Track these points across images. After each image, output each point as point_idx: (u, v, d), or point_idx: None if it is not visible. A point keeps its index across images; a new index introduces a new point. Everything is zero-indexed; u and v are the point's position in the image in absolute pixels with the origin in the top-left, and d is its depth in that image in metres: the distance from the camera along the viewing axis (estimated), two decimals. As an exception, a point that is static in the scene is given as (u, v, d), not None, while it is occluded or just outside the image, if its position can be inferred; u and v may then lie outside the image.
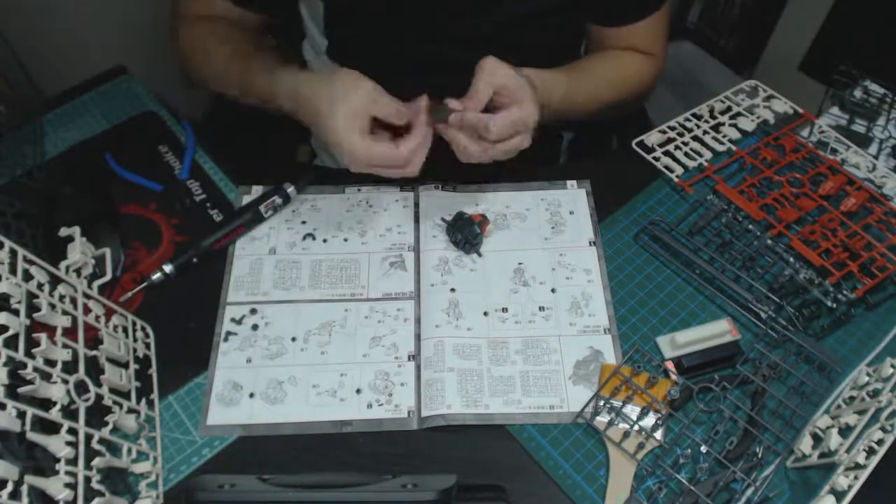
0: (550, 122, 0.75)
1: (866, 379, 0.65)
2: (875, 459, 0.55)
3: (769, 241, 0.74)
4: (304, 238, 0.77)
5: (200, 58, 0.82)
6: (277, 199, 0.77)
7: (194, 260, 0.73)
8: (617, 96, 0.85)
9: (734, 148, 0.84)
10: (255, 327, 0.70)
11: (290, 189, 0.78)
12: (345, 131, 0.64)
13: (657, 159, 0.81)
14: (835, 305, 0.69)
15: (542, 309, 0.72)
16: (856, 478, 0.54)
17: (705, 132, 0.85)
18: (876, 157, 0.83)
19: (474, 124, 0.67)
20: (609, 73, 0.85)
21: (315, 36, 0.88)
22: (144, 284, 0.71)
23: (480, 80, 0.67)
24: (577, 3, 0.80)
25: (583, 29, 0.87)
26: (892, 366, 0.62)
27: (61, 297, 0.58)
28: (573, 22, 0.85)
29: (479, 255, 0.75)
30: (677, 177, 0.80)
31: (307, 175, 0.80)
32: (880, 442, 0.56)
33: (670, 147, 0.83)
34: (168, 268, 0.71)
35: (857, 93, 0.89)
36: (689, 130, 0.85)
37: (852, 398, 0.64)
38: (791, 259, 0.73)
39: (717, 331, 0.68)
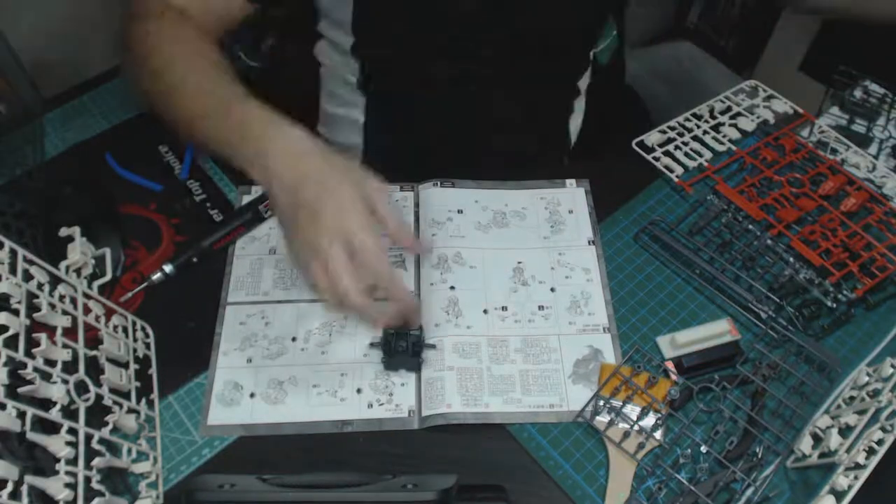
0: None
1: (866, 379, 0.65)
2: (875, 459, 0.55)
3: (769, 242, 0.74)
4: (304, 238, 0.77)
5: (156, 62, 0.67)
6: None
7: (194, 260, 0.73)
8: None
9: (734, 148, 0.83)
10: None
11: None
12: (360, 212, 0.56)
13: (657, 159, 0.81)
14: (835, 305, 0.69)
15: (541, 308, 0.72)
16: (856, 478, 0.54)
17: (705, 132, 0.85)
18: (876, 157, 0.83)
19: None
20: None
21: (337, 35, 0.86)
22: (144, 284, 0.71)
23: None
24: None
25: (602, 21, 0.84)
26: (893, 366, 0.62)
27: (61, 297, 0.58)
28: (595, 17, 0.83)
29: (434, 347, 0.68)
30: (677, 177, 0.80)
31: None
32: (880, 442, 0.56)
33: (670, 147, 0.83)
34: (168, 268, 0.71)
35: (858, 93, 0.89)
36: (689, 130, 0.85)
37: (852, 398, 0.64)
38: (791, 259, 0.73)
39: (717, 331, 0.68)
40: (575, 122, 0.90)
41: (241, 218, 0.76)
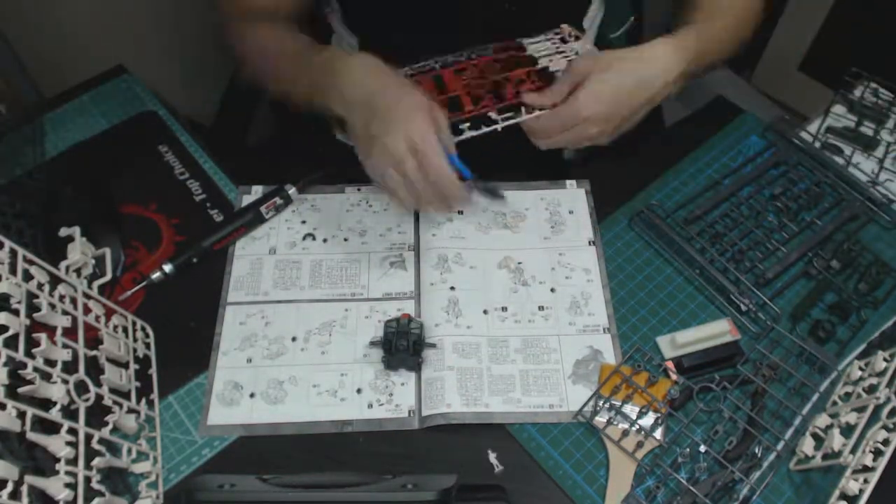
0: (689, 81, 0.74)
1: (859, 373, 0.65)
2: (883, 461, 0.54)
3: (761, 235, 0.76)
4: (304, 238, 0.77)
5: (249, 53, 0.81)
6: (279, 200, 0.77)
7: (194, 260, 0.73)
8: (744, 32, 0.79)
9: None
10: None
11: (292, 190, 0.78)
12: (427, 129, 0.63)
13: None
14: (857, 305, 0.71)
15: (541, 308, 0.72)
16: (866, 481, 0.54)
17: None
18: (882, 160, 0.83)
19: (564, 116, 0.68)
20: (734, 6, 0.79)
21: (343, 34, 0.87)
22: (144, 283, 0.71)
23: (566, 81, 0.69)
24: None
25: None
26: (885, 360, 0.62)
27: (61, 297, 0.58)
28: None
29: (434, 346, 0.69)
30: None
31: (309, 176, 0.80)
32: (886, 442, 0.55)
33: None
34: (168, 267, 0.71)
35: (867, 94, 0.88)
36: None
37: (848, 394, 0.64)
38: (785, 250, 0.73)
39: (717, 331, 0.68)
40: None
41: (242, 219, 0.76)
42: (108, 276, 0.65)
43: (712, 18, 0.77)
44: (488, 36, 0.80)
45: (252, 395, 0.66)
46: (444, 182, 0.64)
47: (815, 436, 0.62)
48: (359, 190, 0.81)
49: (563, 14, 0.84)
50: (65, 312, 0.58)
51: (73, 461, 0.52)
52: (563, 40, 0.81)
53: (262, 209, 0.76)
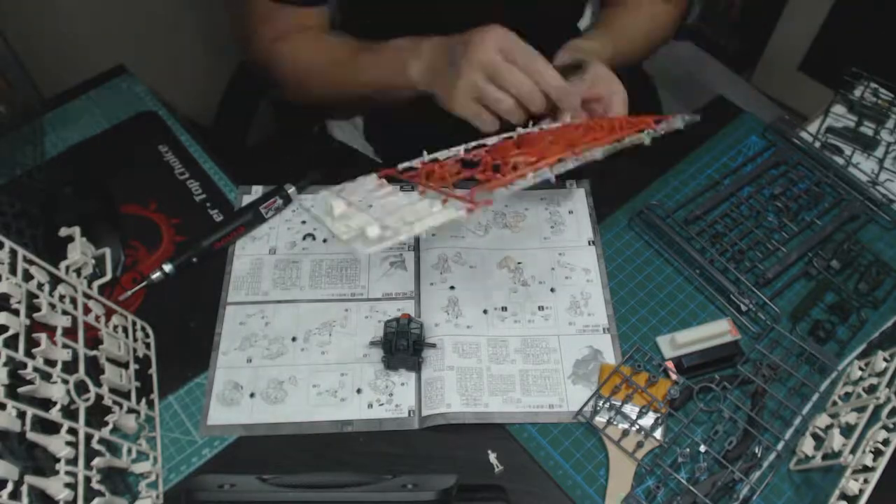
0: None
1: (859, 373, 0.65)
2: (883, 461, 0.54)
3: (761, 236, 0.76)
4: (304, 238, 0.77)
5: (301, 66, 0.80)
6: (279, 200, 0.77)
7: (194, 260, 0.73)
8: (649, 51, 0.84)
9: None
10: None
11: (291, 190, 0.78)
12: (490, 38, 0.63)
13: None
14: (857, 305, 0.71)
15: (541, 308, 0.72)
16: (866, 481, 0.54)
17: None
18: (882, 160, 0.83)
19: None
20: (643, 27, 0.83)
21: None
22: (144, 283, 0.71)
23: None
24: None
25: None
26: (885, 360, 0.62)
27: (61, 297, 0.58)
28: None
29: (434, 346, 0.69)
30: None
31: (308, 177, 0.80)
32: (886, 442, 0.55)
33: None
34: (168, 267, 0.71)
35: (867, 94, 0.88)
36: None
37: (848, 394, 0.64)
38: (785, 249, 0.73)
39: (717, 331, 0.68)
40: None
41: (241, 218, 0.76)
42: (108, 276, 0.65)
43: (626, 22, 0.82)
44: None
45: (252, 395, 0.66)
46: (547, 75, 0.62)
47: (815, 436, 0.62)
48: (359, 190, 0.81)
49: (558, 24, 0.84)
50: (65, 312, 0.58)
51: (73, 461, 0.52)
52: None
53: (262, 209, 0.76)
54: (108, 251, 0.66)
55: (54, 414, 0.52)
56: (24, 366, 0.51)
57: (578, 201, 0.80)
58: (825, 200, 0.80)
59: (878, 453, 0.55)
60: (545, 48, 0.73)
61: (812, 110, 0.90)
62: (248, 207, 0.77)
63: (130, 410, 0.61)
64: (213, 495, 0.54)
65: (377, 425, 0.65)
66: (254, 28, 0.81)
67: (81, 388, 0.56)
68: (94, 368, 0.59)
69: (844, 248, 0.75)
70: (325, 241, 0.77)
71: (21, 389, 0.50)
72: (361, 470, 0.58)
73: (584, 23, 0.88)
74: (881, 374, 0.61)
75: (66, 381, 0.54)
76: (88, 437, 0.54)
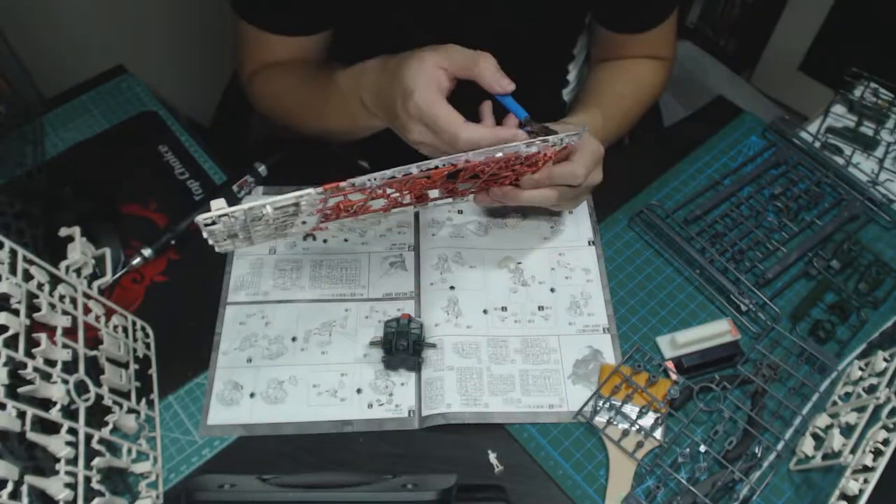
0: None
1: (859, 373, 0.65)
2: (883, 461, 0.54)
3: (761, 236, 0.76)
4: (305, 238, 0.77)
5: (275, 94, 0.81)
6: (249, 178, 0.79)
7: (172, 242, 0.74)
8: (642, 112, 0.83)
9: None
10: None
11: (261, 168, 0.80)
12: (418, 70, 0.62)
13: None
14: (857, 305, 0.71)
15: (541, 308, 0.72)
16: (866, 481, 0.54)
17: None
18: (882, 160, 0.83)
19: (561, 175, 0.65)
20: (633, 91, 0.82)
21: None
22: (125, 271, 0.72)
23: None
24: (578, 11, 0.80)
25: (577, 31, 0.86)
26: (885, 360, 0.62)
27: (61, 297, 0.58)
28: (570, 26, 0.84)
29: (434, 346, 0.69)
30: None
31: (277, 154, 0.82)
32: (886, 442, 0.56)
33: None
34: (147, 252, 0.73)
35: (867, 94, 0.88)
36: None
37: (848, 394, 0.64)
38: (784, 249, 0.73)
39: (717, 331, 0.68)
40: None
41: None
42: (108, 276, 0.65)
43: (616, 100, 0.80)
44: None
45: (252, 395, 0.66)
46: (457, 145, 0.61)
47: (815, 436, 0.62)
48: (359, 190, 0.81)
49: (546, 67, 0.84)
50: (65, 312, 0.58)
51: (73, 461, 0.52)
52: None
53: (234, 188, 0.78)
54: (108, 251, 0.66)
55: (54, 414, 0.52)
56: (24, 366, 0.51)
57: (578, 201, 0.80)
58: (825, 200, 0.80)
59: (878, 453, 0.55)
60: (533, 92, 0.72)
61: (812, 110, 0.90)
62: (220, 187, 0.78)
63: (130, 410, 0.61)
64: (213, 495, 0.54)
65: (377, 425, 0.65)
66: (240, 59, 0.82)
67: (81, 388, 0.56)
68: (94, 368, 0.59)
69: (844, 248, 0.75)
70: (325, 241, 0.77)
71: (21, 389, 0.50)
72: (361, 470, 0.58)
73: (574, 66, 0.89)
74: (881, 374, 0.61)
75: (66, 381, 0.54)
76: (88, 437, 0.54)
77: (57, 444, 0.51)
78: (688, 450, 0.62)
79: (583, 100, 0.80)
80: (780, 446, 0.62)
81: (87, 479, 0.52)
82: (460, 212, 0.79)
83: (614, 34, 0.82)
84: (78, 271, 0.62)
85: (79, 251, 0.62)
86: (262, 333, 0.70)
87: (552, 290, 0.73)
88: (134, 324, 0.67)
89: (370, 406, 0.66)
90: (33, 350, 0.52)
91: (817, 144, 0.84)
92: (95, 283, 0.64)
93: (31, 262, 0.57)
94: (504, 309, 0.72)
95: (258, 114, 0.88)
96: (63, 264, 0.61)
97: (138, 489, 0.59)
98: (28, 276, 0.56)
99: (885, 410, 0.57)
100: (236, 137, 1.05)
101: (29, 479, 0.48)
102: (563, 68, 0.88)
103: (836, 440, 0.58)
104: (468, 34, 0.73)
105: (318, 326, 0.71)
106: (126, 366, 0.63)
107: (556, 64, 0.87)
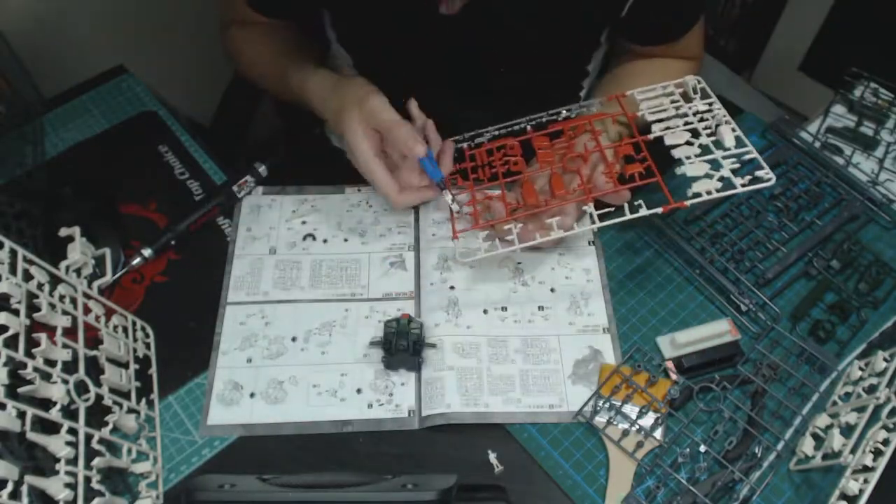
0: None
1: (859, 373, 0.65)
2: (883, 461, 0.54)
3: (761, 236, 0.76)
4: (304, 238, 0.77)
5: (246, 60, 0.88)
6: (249, 178, 0.79)
7: (172, 242, 0.74)
8: None
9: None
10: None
11: (262, 168, 0.80)
12: (354, 132, 0.70)
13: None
14: (857, 305, 0.71)
15: (541, 308, 0.72)
16: (866, 481, 0.54)
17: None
18: (882, 160, 0.83)
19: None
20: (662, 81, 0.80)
21: (339, 50, 0.87)
22: (125, 271, 0.72)
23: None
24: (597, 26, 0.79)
25: (592, 49, 0.84)
26: (885, 360, 0.62)
27: (61, 297, 0.58)
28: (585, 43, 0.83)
29: (434, 346, 0.69)
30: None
31: (277, 154, 0.82)
32: (886, 442, 0.56)
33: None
34: (147, 252, 0.72)
35: (867, 94, 0.88)
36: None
37: (848, 394, 0.64)
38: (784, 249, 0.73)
39: (717, 331, 0.68)
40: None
41: (215, 199, 0.77)
42: (108, 276, 0.65)
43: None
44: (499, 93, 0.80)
45: (252, 395, 0.66)
46: (377, 185, 0.72)
47: (815, 436, 0.62)
48: (359, 190, 0.81)
49: (559, 86, 0.85)
50: (65, 312, 0.58)
51: (73, 461, 0.52)
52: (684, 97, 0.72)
53: (235, 188, 0.78)
54: (108, 251, 0.66)
55: (54, 414, 0.52)
56: (24, 366, 0.51)
57: (578, 201, 0.80)
58: (825, 200, 0.80)
59: (878, 453, 0.55)
60: (545, 107, 0.75)
61: (812, 110, 0.90)
62: (221, 188, 0.78)
63: (130, 410, 0.61)
64: (213, 495, 0.54)
65: (377, 425, 0.65)
66: (222, 9, 0.88)
67: (81, 388, 0.56)
68: (94, 368, 0.59)
69: (844, 248, 0.75)
70: (325, 241, 0.77)
71: (21, 389, 0.50)
72: (361, 470, 0.58)
73: (587, 83, 0.88)
74: (881, 374, 0.61)
75: (66, 381, 0.54)
76: (88, 437, 0.54)
77: (57, 444, 0.51)
78: (688, 450, 0.62)
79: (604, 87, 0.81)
80: (780, 446, 0.62)
81: (87, 479, 0.52)
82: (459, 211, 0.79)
83: (640, 46, 0.81)
84: (78, 271, 0.62)
85: (79, 251, 0.62)
86: (261, 333, 0.70)
87: (552, 290, 0.73)
88: (134, 324, 0.67)
89: (370, 406, 0.66)
90: (33, 350, 0.52)
91: (817, 144, 0.84)
92: (95, 283, 0.64)
93: (31, 262, 0.57)
94: (504, 309, 0.72)
95: (258, 114, 0.89)
96: (63, 264, 0.61)
97: (138, 489, 0.59)
98: (28, 276, 0.56)
99: (885, 410, 0.58)
100: (236, 137, 1.05)
101: (29, 479, 0.48)
102: (577, 84, 0.87)
103: (836, 440, 0.58)
104: (481, 49, 0.73)
105: (318, 326, 0.71)
106: (126, 366, 0.63)
107: (570, 80, 0.86)
